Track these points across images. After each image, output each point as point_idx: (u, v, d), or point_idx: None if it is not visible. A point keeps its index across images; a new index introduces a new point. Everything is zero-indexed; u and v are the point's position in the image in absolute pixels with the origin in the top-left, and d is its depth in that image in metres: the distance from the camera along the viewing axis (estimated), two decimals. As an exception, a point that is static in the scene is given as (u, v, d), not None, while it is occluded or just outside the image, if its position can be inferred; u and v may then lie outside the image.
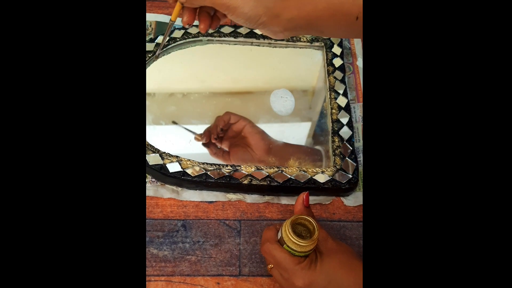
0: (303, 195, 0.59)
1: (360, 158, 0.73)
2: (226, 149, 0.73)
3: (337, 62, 0.81)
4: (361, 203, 0.69)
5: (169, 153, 0.68)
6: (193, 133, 0.74)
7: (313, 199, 0.68)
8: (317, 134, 0.75)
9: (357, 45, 0.86)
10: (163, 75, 0.80)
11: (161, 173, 0.67)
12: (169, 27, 0.59)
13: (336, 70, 0.80)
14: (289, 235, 0.53)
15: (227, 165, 0.68)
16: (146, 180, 0.69)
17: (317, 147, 0.75)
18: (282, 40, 0.83)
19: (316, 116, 0.78)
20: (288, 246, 0.53)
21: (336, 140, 0.72)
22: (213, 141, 0.74)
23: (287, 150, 0.74)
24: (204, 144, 0.73)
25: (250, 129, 0.75)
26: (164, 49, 0.80)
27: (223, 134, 0.74)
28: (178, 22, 0.86)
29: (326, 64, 0.81)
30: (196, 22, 0.57)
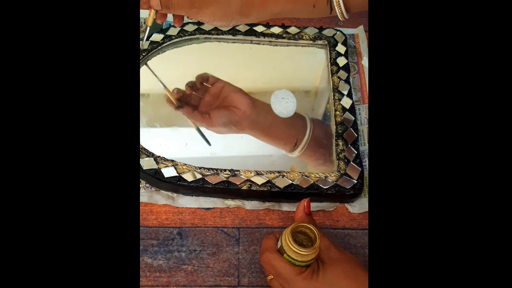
0: (304, 201, 0.59)
1: (366, 162, 0.73)
2: (205, 113, 0.75)
3: (341, 61, 0.81)
4: (367, 209, 0.69)
5: (164, 157, 0.68)
6: (165, 87, 0.75)
7: (315, 206, 0.68)
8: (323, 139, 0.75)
9: (362, 43, 0.86)
10: (158, 74, 0.80)
11: (155, 178, 0.67)
12: (147, 32, 0.68)
13: (340, 70, 0.80)
14: (289, 244, 0.52)
15: (225, 170, 0.68)
16: (140, 185, 0.69)
17: (302, 113, 0.76)
18: (284, 38, 0.83)
19: (319, 118, 0.78)
20: (288, 255, 0.53)
21: (340, 143, 0.72)
22: (188, 91, 0.75)
23: (271, 109, 0.76)
24: (178, 107, 0.74)
25: (230, 87, 0.77)
26: (149, 53, 0.81)
27: (198, 101, 0.75)
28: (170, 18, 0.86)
29: (329, 64, 0.81)
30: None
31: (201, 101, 0.76)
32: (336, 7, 0.57)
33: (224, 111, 0.75)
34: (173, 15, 0.64)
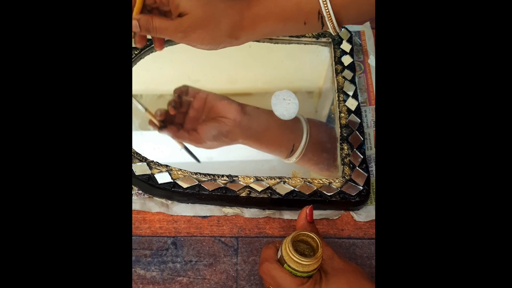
0: (306, 209, 0.59)
1: (372, 167, 0.73)
2: (193, 130, 0.74)
3: (347, 60, 0.81)
4: (373, 218, 0.69)
5: (157, 162, 0.68)
6: (146, 109, 0.74)
7: (319, 214, 0.68)
8: (324, 141, 0.75)
9: (369, 41, 0.86)
10: (152, 74, 0.80)
11: (149, 184, 0.67)
12: None
13: (345, 69, 0.80)
14: (290, 253, 0.52)
15: (223, 176, 0.68)
16: (132, 192, 0.69)
17: (297, 115, 0.76)
18: (285, 35, 0.83)
19: (323, 121, 0.78)
20: (289, 265, 0.53)
21: (345, 147, 0.72)
22: (172, 112, 0.74)
23: (262, 113, 0.76)
24: (161, 128, 0.73)
25: (214, 96, 0.77)
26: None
27: (182, 118, 0.75)
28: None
29: (334, 63, 0.81)
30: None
31: (185, 118, 0.75)
32: (328, 22, 0.57)
33: (212, 123, 0.74)
34: (153, 37, 0.63)
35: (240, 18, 0.59)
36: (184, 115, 0.75)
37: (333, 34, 0.60)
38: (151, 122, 0.74)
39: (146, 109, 0.74)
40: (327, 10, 0.56)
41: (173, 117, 0.75)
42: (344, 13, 0.57)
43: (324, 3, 0.56)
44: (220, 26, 0.58)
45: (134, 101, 0.74)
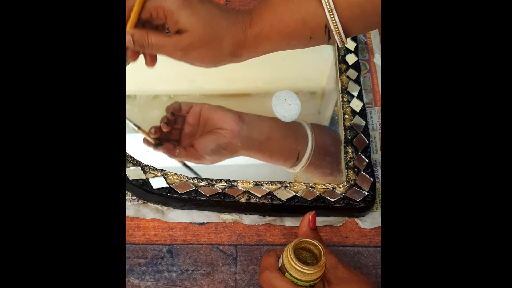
0: (309, 215, 0.59)
1: (378, 172, 0.73)
2: (190, 146, 0.73)
3: (351, 59, 0.81)
4: (379, 225, 0.69)
5: (152, 166, 0.68)
6: (139, 128, 0.73)
7: (322, 220, 0.68)
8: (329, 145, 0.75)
9: (374, 39, 0.86)
10: (146, 74, 0.80)
11: (143, 189, 0.67)
12: None
13: (350, 69, 0.80)
14: (291, 262, 0.52)
15: (221, 180, 0.68)
16: (126, 197, 0.69)
17: (299, 120, 0.76)
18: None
19: (326, 123, 0.78)
20: (290, 274, 0.53)
21: (350, 150, 0.72)
22: (165, 129, 0.73)
23: (262, 121, 0.76)
24: (156, 145, 0.72)
25: (208, 108, 0.76)
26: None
27: (178, 135, 0.74)
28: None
29: (338, 61, 0.81)
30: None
31: (181, 134, 0.75)
32: (335, 35, 0.57)
33: (209, 136, 0.74)
34: (145, 53, 0.62)
35: (243, 37, 0.58)
36: (179, 131, 0.75)
37: (340, 46, 0.59)
38: (145, 141, 0.73)
39: (139, 128, 0.73)
40: (335, 24, 0.55)
41: (169, 134, 0.74)
42: (352, 25, 0.57)
43: (332, 16, 0.55)
44: (222, 45, 0.58)
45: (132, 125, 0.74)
